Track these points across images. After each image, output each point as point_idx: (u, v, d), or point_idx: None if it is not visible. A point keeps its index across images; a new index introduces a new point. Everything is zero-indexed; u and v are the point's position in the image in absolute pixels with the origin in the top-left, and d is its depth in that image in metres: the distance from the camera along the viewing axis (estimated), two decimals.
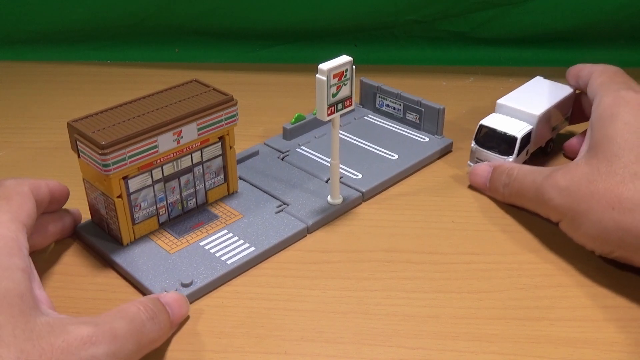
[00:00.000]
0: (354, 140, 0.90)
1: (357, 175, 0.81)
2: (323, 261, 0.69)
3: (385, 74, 1.09)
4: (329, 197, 0.76)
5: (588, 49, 1.20)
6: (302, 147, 0.88)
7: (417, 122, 0.92)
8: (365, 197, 0.79)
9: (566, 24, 1.17)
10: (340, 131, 0.76)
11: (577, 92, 0.87)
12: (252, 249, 0.69)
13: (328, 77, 0.66)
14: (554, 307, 0.63)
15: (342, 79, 0.68)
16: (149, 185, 0.68)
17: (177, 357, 0.58)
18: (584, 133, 0.83)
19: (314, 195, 0.77)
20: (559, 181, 0.66)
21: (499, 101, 0.82)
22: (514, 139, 0.78)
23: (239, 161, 0.79)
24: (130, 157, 0.64)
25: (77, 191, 0.71)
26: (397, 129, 0.93)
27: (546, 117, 0.81)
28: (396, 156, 0.85)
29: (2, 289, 0.49)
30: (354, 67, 0.69)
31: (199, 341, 0.59)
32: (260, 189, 0.79)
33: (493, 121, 0.81)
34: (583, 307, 0.63)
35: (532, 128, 0.79)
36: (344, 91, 0.69)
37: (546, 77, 1.11)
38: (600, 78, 0.74)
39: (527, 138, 0.79)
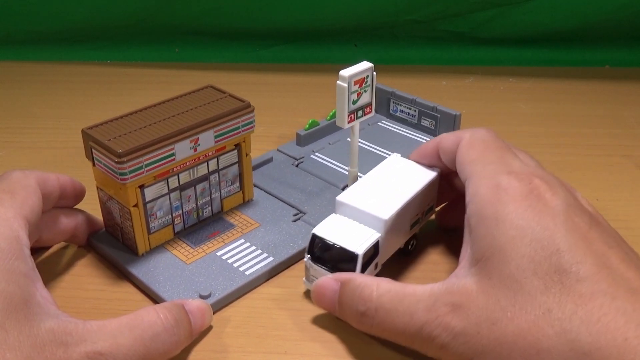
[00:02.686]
0: (369, 146, 0.87)
1: None
2: None
3: (385, 73, 1.05)
4: None
5: (588, 49, 1.20)
6: (317, 153, 0.85)
7: (433, 128, 0.90)
8: None
9: (566, 24, 1.17)
10: None
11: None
12: (271, 259, 0.66)
13: (349, 84, 0.64)
14: None
15: (363, 85, 0.65)
16: (165, 194, 0.66)
17: (177, 357, 0.56)
18: (456, 200, 0.69)
19: (330, 203, 0.73)
20: (450, 322, 0.49)
21: (338, 198, 0.63)
22: (354, 255, 0.58)
23: (253, 168, 0.77)
24: (147, 165, 0.62)
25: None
26: (412, 136, 0.91)
27: (401, 216, 0.62)
28: None
29: (9, 293, 0.47)
30: (374, 73, 0.66)
31: (199, 341, 0.58)
32: (276, 197, 0.76)
33: (329, 229, 0.61)
34: None
35: (380, 236, 0.60)
36: (365, 98, 0.66)
37: (546, 77, 1.14)
38: (470, 154, 0.59)
39: (373, 250, 0.60)
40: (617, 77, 1.15)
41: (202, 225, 0.71)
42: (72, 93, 1.10)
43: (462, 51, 1.22)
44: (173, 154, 0.64)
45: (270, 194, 0.77)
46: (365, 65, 0.65)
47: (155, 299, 0.63)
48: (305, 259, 0.61)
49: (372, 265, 0.61)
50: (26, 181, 0.58)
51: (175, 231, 0.69)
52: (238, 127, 0.69)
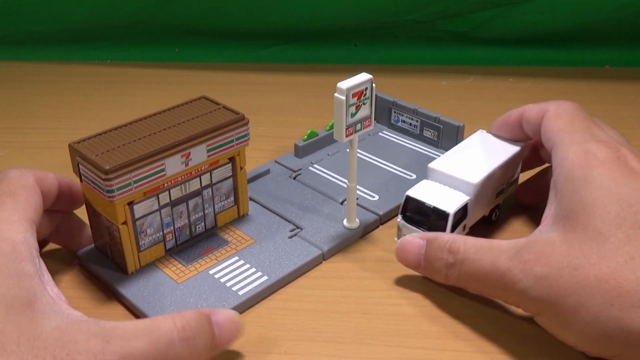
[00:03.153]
0: (369, 158, 0.81)
1: (374, 197, 0.73)
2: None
3: (385, 74, 1.05)
4: (344, 221, 0.68)
5: (588, 49, 1.17)
6: (315, 165, 0.79)
7: (435, 139, 0.84)
8: (382, 220, 0.71)
9: (566, 24, 1.12)
10: None
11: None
12: (265, 277, 0.61)
13: (347, 97, 0.58)
14: None
15: (362, 98, 0.60)
16: (155, 211, 0.60)
17: None
18: (536, 176, 0.73)
19: (328, 218, 0.69)
20: (533, 267, 0.50)
21: (430, 165, 0.65)
22: (445, 214, 0.61)
23: (249, 180, 0.71)
24: (136, 181, 0.57)
25: None
26: (414, 147, 0.84)
27: (487, 184, 0.65)
28: (414, 176, 0.76)
29: (10, 297, 0.45)
30: (374, 85, 0.60)
31: None
32: (272, 211, 0.70)
33: (422, 192, 0.64)
34: None
35: (469, 199, 0.63)
36: (363, 111, 0.61)
37: (546, 77, 1.11)
38: (557, 123, 0.59)
39: (462, 212, 0.63)
40: (617, 77, 1.11)
41: (194, 242, 0.65)
42: (72, 93, 1.06)
43: (462, 51, 1.18)
44: (163, 170, 0.58)
45: (266, 208, 0.71)
46: (364, 77, 0.60)
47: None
48: (398, 220, 0.64)
49: (461, 227, 0.63)
50: (25, 180, 0.55)
51: (167, 248, 0.63)
52: (232, 140, 0.63)
